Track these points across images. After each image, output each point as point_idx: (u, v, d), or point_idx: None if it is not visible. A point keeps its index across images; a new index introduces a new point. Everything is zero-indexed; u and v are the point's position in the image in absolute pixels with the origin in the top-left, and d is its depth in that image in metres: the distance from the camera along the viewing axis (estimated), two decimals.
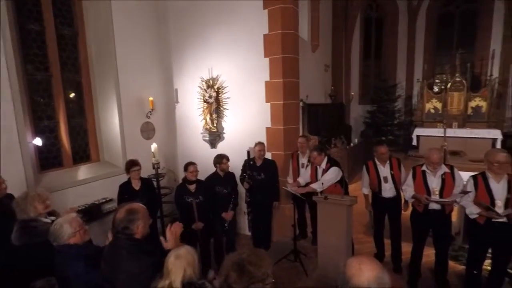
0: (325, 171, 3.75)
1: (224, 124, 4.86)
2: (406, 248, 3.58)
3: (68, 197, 3.67)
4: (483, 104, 9.45)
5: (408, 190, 3.35)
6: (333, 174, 3.70)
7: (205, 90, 4.81)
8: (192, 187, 3.66)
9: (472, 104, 9.57)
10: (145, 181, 3.75)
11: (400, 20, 11.41)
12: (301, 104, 6.20)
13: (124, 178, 3.75)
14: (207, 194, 3.71)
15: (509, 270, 3.11)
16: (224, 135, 4.89)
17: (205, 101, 4.82)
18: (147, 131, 4.81)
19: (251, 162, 4.14)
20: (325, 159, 3.81)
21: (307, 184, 3.90)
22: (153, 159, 4.08)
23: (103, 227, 3.82)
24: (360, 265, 1.20)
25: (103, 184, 4.11)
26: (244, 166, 4.17)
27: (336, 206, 3.44)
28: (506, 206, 2.78)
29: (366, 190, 3.88)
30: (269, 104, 4.50)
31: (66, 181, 3.81)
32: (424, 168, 3.24)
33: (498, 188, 2.83)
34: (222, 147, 4.81)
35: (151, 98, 4.71)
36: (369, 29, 11.96)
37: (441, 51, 11.18)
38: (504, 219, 2.79)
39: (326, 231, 3.52)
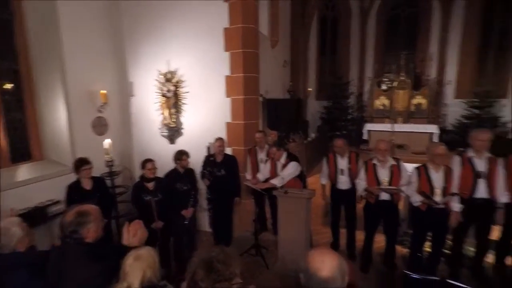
0: (284, 166, 3.84)
1: (183, 119, 4.72)
2: (360, 236, 3.83)
3: (6, 200, 3.28)
4: (423, 101, 10.40)
5: (361, 184, 3.56)
6: (292, 169, 3.79)
7: (163, 84, 4.62)
8: (150, 185, 3.52)
9: (415, 101, 10.49)
10: (97, 180, 3.50)
11: (353, 21, 12.02)
12: (260, 99, 6.25)
13: (73, 177, 3.46)
14: (166, 192, 3.59)
15: (444, 251, 3.48)
16: (183, 130, 4.75)
17: (163, 95, 4.63)
18: (99, 126, 4.48)
19: (211, 158, 4.08)
20: (284, 154, 3.90)
21: (267, 180, 3.96)
22: (106, 156, 3.83)
23: (49, 232, 3.50)
24: (322, 257, 1.24)
25: (48, 184, 3.75)
26: (204, 162, 4.10)
27: (295, 200, 3.55)
28: (444, 194, 3.11)
29: (324, 180, 4.04)
30: (229, 99, 4.47)
31: (2, 182, 3.40)
32: (374, 161, 3.48)
33: (437, 178, 3.14)
34: (181, 143, 4.67)
35: (103, 91, 4.39)
36: (325, 27, 12.43)
37: (389, 51, 12.00)
38: (442, 206, 3.12)
39: (286, 224, 3.62)
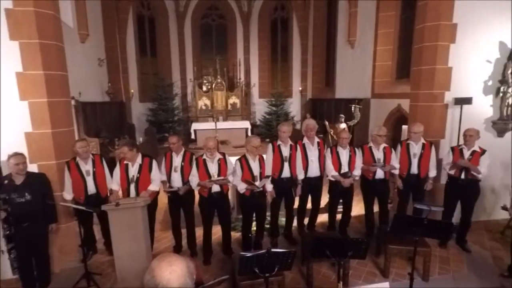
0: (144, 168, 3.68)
1: None
2: (199, 232, 4.00)
3: None
4: (237, 101, 12.11)
5: (194, 180, 3.73)
6: (157, 170, 3.77)
7: None
8: None
9: (230, 101, 12.03)
10: None
11: (170, 23, 12.15)
12: (73, 102, 5.26)
13: None
14: None
15: (266, 226, 4.25)
16: None
17: None
18: None
19: (6, 182, 3.10)
20: (139, 155, 3.71)
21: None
22: None
23: None
24: (170, 267, 1.17)
25: None
26: None
27: (129, 211, 3.29)
28: (261, 178, 3.76)
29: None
30: (26, 102, 3.53)
31: None
32: (204, 157, 3.73)
33: (255, 166, 3.76)
34: None
35: None
36: (143, 26, 11.92)
37: (205, 55, 13.05)
38: (261, 188, 3.76)
39: (121, 239, 3.30)
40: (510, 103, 4.47)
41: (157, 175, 3.78)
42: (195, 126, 10.65)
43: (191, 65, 12.45)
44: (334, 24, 10.37)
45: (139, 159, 3.71)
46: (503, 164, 4.36)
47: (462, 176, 3.95)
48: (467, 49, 4.43)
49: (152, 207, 3.77)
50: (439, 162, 4.36)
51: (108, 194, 3.82)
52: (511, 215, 3.67)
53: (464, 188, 3.98)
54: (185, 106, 12.48)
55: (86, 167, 3.72)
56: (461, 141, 4.16)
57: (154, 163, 3.79)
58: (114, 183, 3.74)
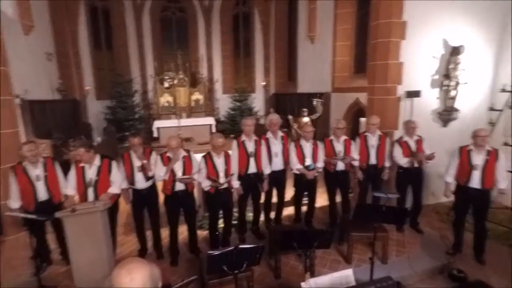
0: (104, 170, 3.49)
1: None
2: (165, 232, 3.90)
3: None
4: (200, 97, 11.85)
5: (157, 177, 3.63)
6: (118, 171, 3.58)
7: None
8: None
9: (193, 97, 11.74)
10: None
11: (127, 15, 11.50)
12: (18, 101, 4.78)
13: None
14: None
15: (233, 222, 4.23)
16: None
17: None
18: None
19: None
20: (98, 157, 3.50)
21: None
22: None
23: None
24: (130, 275, 1.12)
25: None
26: None
27: (88, 216, 3.11)
28: (226, 175, 3.73)
29: (125, 184, 3.75)
30: None
31: None
32: (168, 154, 3.61)
33: (220, 163, 3.71)
34: None
35: None
36: (97, 18, 11.14)
37: (166, 50, 12.55)
38: (224, 186, 3.72)
39: (79, 247, 3.11)
40: (452, 95, 4.91)
41: (117, 177, 3.59)
42: (157, 124, 10.28)
43: (151, 60, 11.93)
44: (295, 19, 10.53)
45: (97, 161, 3.50)
46: (447, 151, 4.75)
47: (416, 165, 4.29)
48: (416, 45, 4.77)
49: (113, 210, 3.59)
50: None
51: (63, 200, 3.56)
52: (446, 196, 4.07)
53: (414, 175, 4.36)
54: (146, 103, 11.96)
55: (36, 171, 3.42)
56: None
57: (114, 164, 3.60)
58: (69, 187, 3.50)
